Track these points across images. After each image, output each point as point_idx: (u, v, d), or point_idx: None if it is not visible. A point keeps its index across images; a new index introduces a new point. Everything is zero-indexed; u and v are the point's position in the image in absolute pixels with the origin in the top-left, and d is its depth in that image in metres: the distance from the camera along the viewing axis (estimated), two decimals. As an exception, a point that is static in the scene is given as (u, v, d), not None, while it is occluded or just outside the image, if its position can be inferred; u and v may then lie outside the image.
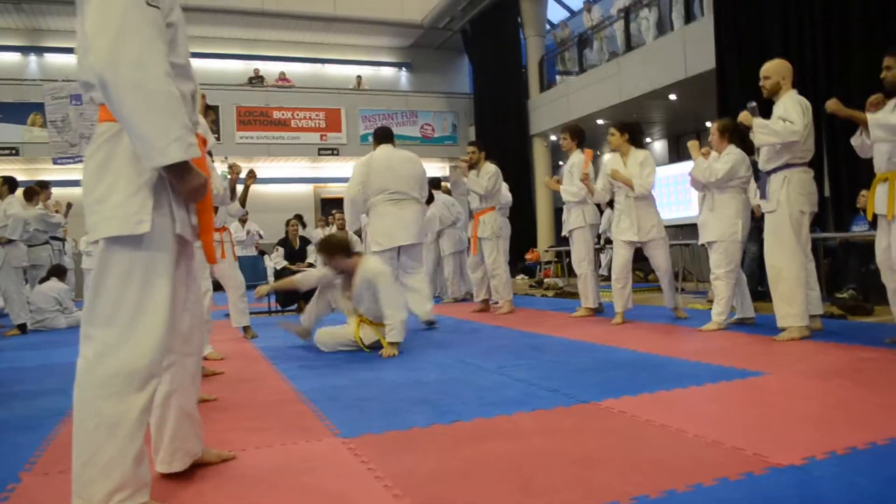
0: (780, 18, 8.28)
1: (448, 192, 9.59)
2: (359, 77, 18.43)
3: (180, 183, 1.85)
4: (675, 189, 12.07)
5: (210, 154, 5.15)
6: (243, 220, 10.87)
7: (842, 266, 7.03)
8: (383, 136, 6.28)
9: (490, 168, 7.29)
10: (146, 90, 1.73)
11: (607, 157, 6.13)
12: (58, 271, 8.07)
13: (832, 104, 4.13)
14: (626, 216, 5.86)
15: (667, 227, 6.07)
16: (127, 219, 1.81)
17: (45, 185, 8.98)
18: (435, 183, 10.07)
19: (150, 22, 1.78)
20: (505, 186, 7.89)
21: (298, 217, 9.96)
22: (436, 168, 18.23)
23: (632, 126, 6.01)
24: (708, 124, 5.35)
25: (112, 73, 1.71)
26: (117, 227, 1.82)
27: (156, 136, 1.74)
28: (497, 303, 7.47)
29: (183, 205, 1.96)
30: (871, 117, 3.96)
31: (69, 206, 9.65)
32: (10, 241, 7.24)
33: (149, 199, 1.85)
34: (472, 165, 7.41)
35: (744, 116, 4.58)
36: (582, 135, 6.79)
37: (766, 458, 2.08)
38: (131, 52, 1.72)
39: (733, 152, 5.07)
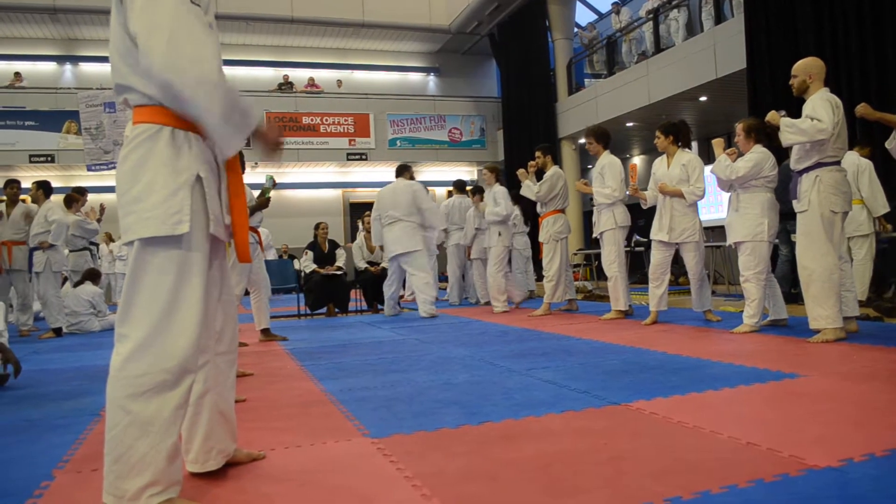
0: (812, 18, 8.15)
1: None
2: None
3: (262, 141, 2.10)
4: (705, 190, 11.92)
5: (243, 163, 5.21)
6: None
7: (883, 268, 6.89)
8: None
9: (549, 172, 7.30)
10: (210, 84, 1.80)
11: (637, 160, 6.08)
12: (92, 275, 8.20)
13: (861, 108, 4.08)
14: (661, 217, 5.81)
15: (698, 228, 5.97)
16: (166, 219, 1.82)
17: (82, 192, 9.12)
18: (460, 186, 10.06)
19: (196, 20, 1.81)
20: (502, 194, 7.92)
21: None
22: (464, 172, 18.26)
23: (676, 126, 5.89)
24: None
25: (177, 74, 1.74)
26: (156, 227, 1.82)
27: (228, 126, 1.89)
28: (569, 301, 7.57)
29: (218, 204, 1.97)
30: None
31: (102, 207, 9.78)
32: (51, 246, 7.40)
33: (187, 199, 1.85)
34: (540, 170, 7.40)
35: (771, 116, 4.51)
36: (607, 137, 6.71)
37: (803, 460, 2.04)
38: (187, 50, 1.76)
39: (758, 151, 5.00)
